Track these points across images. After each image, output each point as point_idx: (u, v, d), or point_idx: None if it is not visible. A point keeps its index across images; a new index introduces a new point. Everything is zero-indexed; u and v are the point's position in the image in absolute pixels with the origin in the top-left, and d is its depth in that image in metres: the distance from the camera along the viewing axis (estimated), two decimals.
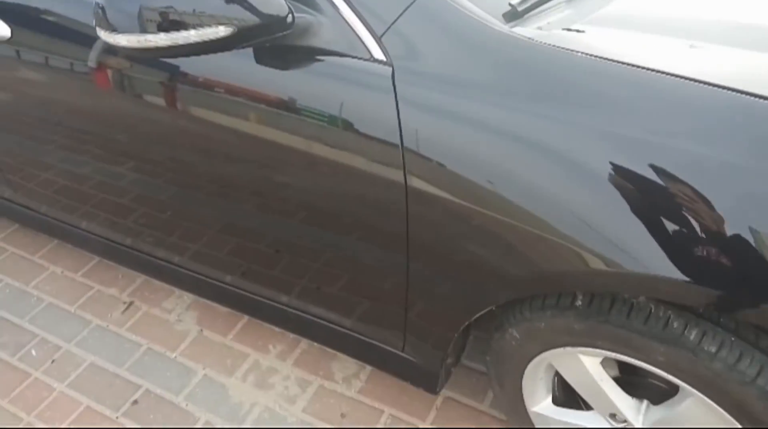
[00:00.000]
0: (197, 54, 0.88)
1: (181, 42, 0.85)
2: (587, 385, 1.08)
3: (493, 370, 1.22)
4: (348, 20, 0.94)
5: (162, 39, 0.84)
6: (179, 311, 1.76)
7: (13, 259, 1.96)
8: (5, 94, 1.44)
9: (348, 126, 0.97)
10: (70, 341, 1.69)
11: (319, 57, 0.97)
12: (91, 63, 1.17)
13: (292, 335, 1.65)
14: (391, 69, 0.93)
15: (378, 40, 0.93)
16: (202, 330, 1.70)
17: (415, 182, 0.95)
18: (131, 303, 1.79)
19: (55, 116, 1.38)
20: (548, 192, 0.85)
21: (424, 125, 0.92)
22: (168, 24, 0.86)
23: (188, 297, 1.79)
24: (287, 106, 1.01)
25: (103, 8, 0.85)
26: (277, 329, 1.64)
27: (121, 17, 0.85)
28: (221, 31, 0.86)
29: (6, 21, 1.24)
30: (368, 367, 1.56)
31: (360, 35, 0.94)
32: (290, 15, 0.91)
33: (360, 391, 1.52)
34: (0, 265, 1.94)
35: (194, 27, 0.85)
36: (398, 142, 0.94)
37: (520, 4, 0.94)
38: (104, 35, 0.87)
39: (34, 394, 1.56)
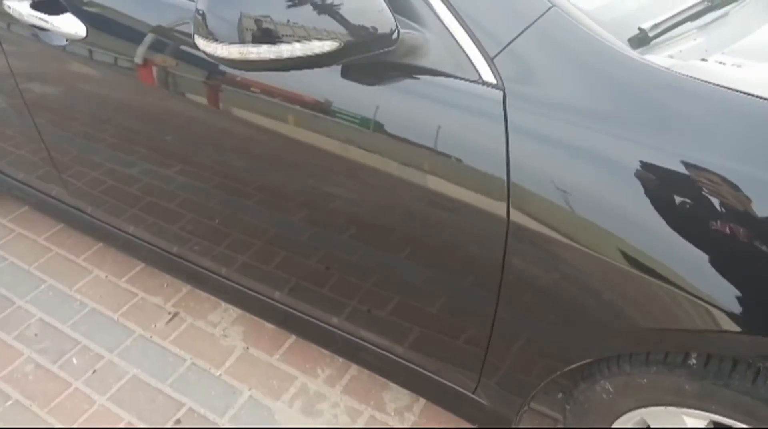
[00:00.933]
0: (299, 68, 0.81)
1: (285, 55, 0.78)
2: None
3: (572, 420, 1.12)
4: (458, 38, 0.87)
5: (266, 51, 0.77)
6: (225, 325, 1.69)
7: (57, 260, 1.91)
8: (76, 93, 1.38)
9: (449, 151, 0.89)
10: (113, 351, 1.63)
11: (421, 76, 0.89)
12: (140, 58, 1.12)
13: (340, 359, 1.57)
14: (502, 93, 0.85)
15: (490, 61, 0.85)
16: (248, 347, 1.63)
17: (519, 217, 0.87)
18: (176, 313, 1.73)
19: (121, 119, 1.32)
20: (679, 240, 0.76)
21: (536, 156, 0.84)
22: (264, 34, 0.79)
23: (234, 310, 1.72)
24: (380, 125, 0.93)
25: (203, 15, 0.78)
26: (325, 351, 1.56)
27: (221, 25, 0.78)
28: (327, 45, 0.78)
29: (83, 20, 1.18)
30: (422, 400, 1.47)
31: (470, 55, 0.86)
32: (396, 31, 0.84)
33: (414, 426, 1.43)
34: (44, 265, 1.89)
35: (297, 40, 0.78)
36: (504, 172, 0.86)
37: (651, 29, 0.85)
38: (202, 44, 0.80)
39: (74, 406, 1.50)
